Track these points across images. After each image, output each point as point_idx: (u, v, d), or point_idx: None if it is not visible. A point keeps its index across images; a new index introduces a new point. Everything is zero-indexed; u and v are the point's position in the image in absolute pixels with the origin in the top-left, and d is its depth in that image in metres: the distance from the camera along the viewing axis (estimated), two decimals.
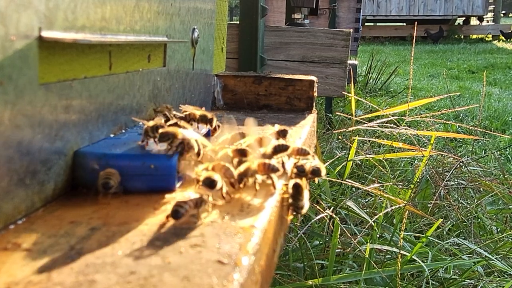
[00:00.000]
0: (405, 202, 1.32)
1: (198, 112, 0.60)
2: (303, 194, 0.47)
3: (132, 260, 0.34)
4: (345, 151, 2.05)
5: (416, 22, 2.32)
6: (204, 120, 0.59)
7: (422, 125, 2.83)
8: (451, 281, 1.35)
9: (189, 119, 0.60)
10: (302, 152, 0.52)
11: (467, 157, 2.44)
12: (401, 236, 1.19)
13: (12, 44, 0.37)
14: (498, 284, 1.35)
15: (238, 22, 1.86)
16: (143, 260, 0.34)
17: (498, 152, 2.85)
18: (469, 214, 1.73)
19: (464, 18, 11.94)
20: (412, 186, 1.57)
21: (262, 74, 0.98)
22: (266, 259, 0.42)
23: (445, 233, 1.66)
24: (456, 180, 1.98)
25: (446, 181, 1.82)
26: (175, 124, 0.53)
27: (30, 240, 0.37)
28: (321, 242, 1.45)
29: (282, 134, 0.58)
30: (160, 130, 0.48)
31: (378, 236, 1.43)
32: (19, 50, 0.38)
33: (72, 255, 0.35)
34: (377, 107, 1.72)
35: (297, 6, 2.42)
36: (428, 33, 10.89)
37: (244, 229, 0.40)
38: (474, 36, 11.56)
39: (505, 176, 2.13)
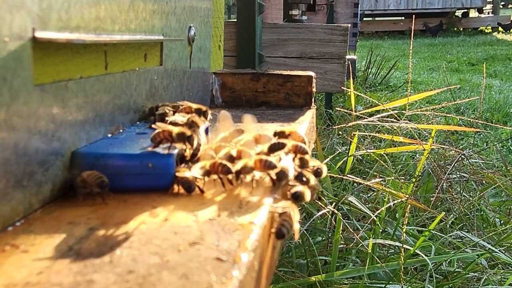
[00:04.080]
0: (407, 196, 1.31)
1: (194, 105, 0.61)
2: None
3: (131, 259, 0.34)
4: (346, 147, 2.04)
5: (414, 16, 2.31)
6: (198, 113, 0.59)
7: (423, 119, 2.83)
8: (455, 274, 1.35)
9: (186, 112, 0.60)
10: (300, 150, 0.52)
11: (469, 149, 2.44)
12: (404, 230, 1.19)
13: (5, 45, 0.37)
14: (502, 276, 1.35)
15: (235, 20, 1.85)
16: (141, 259, 0.34)
17: (500, 144, 2.85)
18: (471, 207, 1.73)
19: (463, 11, 11.90)
20: (414, 180, 1.57)
21: (260, 71, 0.98)
22: (266, 256, 0.42)
23: (448, 226, 1.66)
24: (458, 173, 1.97)
25: (448, 174, 1.82)
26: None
27: (28, 241, 0.37)
28: (323, 238, 1.45)
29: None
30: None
31: (380, 231, 1.43)
32: (13, 51, 0.38)
33: (70, 255, 0.35)
34: (377, 102, 1.72)
35: (295, 2, 2.41)
36: (427, 26, 10.85)
37: (243, 226, 0.40)
38: (472, 28, 11.52)
39: (507, 168, 2.13)
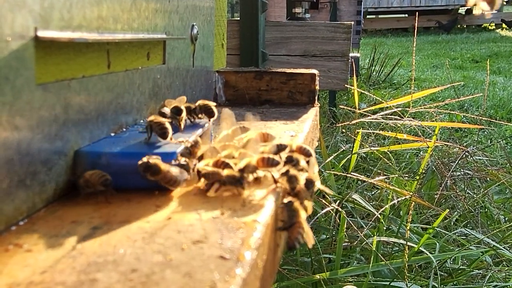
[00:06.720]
0: (411, 193, 1.31)
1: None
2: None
3: (134, 258, 0.34)
4: (349, 144, 2.04)
5: (417, 13, 2.30)
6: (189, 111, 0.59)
7: (427, 116, 2.82)
8: (459, 271, 1.35)
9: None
10: (303, 151, 0.51)
11: (473, 147, 2.43)
12: (408, 227, 1.19)
13: (7, 44, 0.37)
14: (506, 273, 1.34)
15: (238, 18, 1.85)
16: (144, 257, 0.34)
17: (504, 141, 2.84)
18: (476, 204, 1.72)
19: (466, 8, 11.84)
20: (418, 177, 1.56)
21: (263, 69, 0.98)
22: (270, 254, 0.42)
23: (452, 223, 1.66)
24: (462, 170, 1.97)
25: (452, 171, 1.81)
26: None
27: (32, 240, 0.37)
28: (328, 236, 1.45)
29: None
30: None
31: (385, 228, 1.42)
32: (15, 50, 0.38)
33: (73, 254, 0.35)
34: (380, 99, 1.72)
35: (298, 0, 2.41)
36: (440, 23, 10.82)
37: (247, 224, 0.40)
38: (475, 25, 11.46)
39: None
